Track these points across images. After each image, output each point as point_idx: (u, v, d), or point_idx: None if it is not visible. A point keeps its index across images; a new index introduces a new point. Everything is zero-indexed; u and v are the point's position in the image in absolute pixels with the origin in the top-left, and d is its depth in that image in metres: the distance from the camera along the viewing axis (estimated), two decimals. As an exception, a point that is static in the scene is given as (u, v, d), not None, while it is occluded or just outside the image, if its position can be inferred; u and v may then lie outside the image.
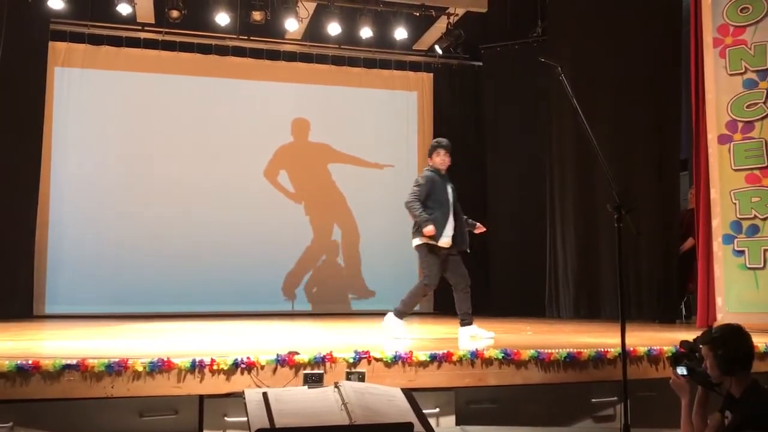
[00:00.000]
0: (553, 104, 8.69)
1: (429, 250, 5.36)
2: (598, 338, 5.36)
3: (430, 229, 5.23)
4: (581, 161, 8.36)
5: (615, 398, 4.33)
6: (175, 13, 8.91)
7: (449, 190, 5.49)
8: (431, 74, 10.70)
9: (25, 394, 3.51)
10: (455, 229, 5.44)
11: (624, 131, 8.02)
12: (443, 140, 5.64)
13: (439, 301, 10.25)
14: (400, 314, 5.44)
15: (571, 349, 4.32)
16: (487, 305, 9.74)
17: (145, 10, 9.08)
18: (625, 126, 8.03)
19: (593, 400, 4.33)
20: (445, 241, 5.37)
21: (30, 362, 3.50)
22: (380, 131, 10.45)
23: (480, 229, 5.66)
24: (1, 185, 7.93)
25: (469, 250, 5.59)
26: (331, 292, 10.03)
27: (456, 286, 5.46)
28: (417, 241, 5.44)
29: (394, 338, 5.22)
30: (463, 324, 5.40)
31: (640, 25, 8.14)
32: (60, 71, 9.24)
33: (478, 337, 5.26)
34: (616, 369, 4.30)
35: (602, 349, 4.36)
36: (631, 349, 4.33)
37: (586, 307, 8.34)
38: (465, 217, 5.61)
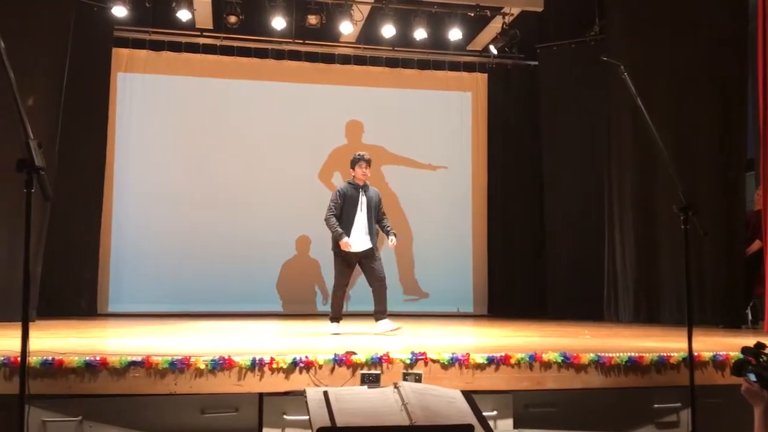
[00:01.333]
0: (612, 104, 8.53)
1: (340, 256, 6.07)
2: (659, 342, 5.23)
3: (345, 242, 5.94)
4: (640, 161, 8.17)
5: (678, 404, 4.21)
6: (232, 19, 9.10)
7: (362, 200, 6.08)
8: (486, 74, 10.64)
9: (93, 389, 3.61)
10: (365, 234, 6.05)
11: (687, 130, 7.79)
12: (365, 154, 6.20)
13: (492, 303, 10.19)
14: (333, 319, 6.15)
15: (632, 353, 4.22)
16: (543, 308, 9.64)
17: (203, 16, 9.30)
18: (688, 125, 7.81)
19: (655, 405, 4.22)
20: (355, 247, 5.99)
21: (98, 359, 3.61)
22: (434, 132, 10.44)
23: (392, 245, 6.17)
24: (67, 187, 8.22)
25: (372, 249, 6.10)
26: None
27: (371, 284, 6.10)
28: (334, 249, 6.14)
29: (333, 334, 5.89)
30: (377, 318, 6.08)
31: (703, 21, 7.89)
32: (123, 76, 9.53)
33: (388, 331, 5.93)
34: (680, 374, 4.19)
35: (665, 354, 4.25)
36: (696, 354, 4.20)
37: (646, 311, 8.14)
38: (387, 225, 6.20)
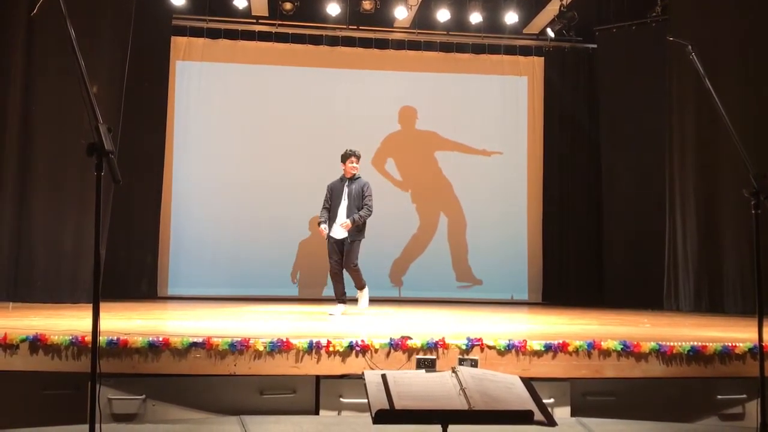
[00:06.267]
0: (673, 86, 8.26)
1: (327, 239, 6.63)
2: (723, 332, 5.07)
3: (321, 228, 6.58)
4: (703, 145, 7.91)
5: (744, 396, 4.09)
6: (288, 6, 9.17)
7: (346, 192, 6.55)
8: (542, 58, 10.46)
9: (156, 369, 3.72)
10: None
11: (756, 111, 7.49)
12: (356, 150, 6.64)
13: (547, 291, 10.06)
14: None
15: (695, 343, 4.10)
16: (599, 296, 9.49)
17: (259, 3, 9.39)
18: (757, 108, 7.51)
19: (719, 396, 4.11)
20: (335, 234, 6.53)
21: (160, 339, 3.71)
22: (489, 117, 10.32)
23: (342, 224, 6.46)
24: (128, 174, 8.38)
25: (348, 238, 6.50)
26: (437, 280, 10.03)
27: (345, 266, 6.55)
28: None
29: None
30: (360, 289, 6.70)
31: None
32: (181, 65, 9.72)
33: (365, 304, 6.67)
34: (745, 365, 4.07)
35: (729, 344, 4.12)
36: (764, 344, 4.06)
37: (708, 300, 7.90)
38: (358, 212, 6.48)
